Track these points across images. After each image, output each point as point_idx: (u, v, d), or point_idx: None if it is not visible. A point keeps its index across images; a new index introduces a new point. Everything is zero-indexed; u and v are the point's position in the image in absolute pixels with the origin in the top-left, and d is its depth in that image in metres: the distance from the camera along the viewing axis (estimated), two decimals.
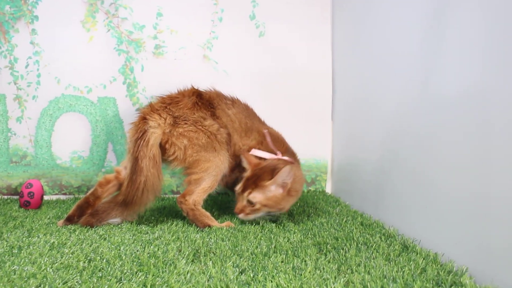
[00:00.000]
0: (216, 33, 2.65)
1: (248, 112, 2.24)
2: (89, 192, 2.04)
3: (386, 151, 2.03)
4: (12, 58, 2.53)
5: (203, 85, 2.21)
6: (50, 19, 2.55)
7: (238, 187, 1.99)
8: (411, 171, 1.80)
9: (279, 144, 2.17)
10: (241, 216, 1.96)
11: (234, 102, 2.22)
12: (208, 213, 1.98)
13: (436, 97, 1.61)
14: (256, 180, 1.94)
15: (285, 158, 2.07)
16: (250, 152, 2.09)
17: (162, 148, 1.99)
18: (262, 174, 1.95)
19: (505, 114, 1.26)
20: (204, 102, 2.11)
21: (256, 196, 1.93)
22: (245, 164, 2.04)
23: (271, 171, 1.94)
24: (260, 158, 2.06)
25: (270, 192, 1.93)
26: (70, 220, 1.96)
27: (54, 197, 2.57)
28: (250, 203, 1.94)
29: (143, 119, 1.99)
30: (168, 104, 2.05)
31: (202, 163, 1.99)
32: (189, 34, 2.63)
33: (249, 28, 2.67)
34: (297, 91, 2.67)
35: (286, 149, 2.18)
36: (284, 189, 1.93)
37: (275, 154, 2.09)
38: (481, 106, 1.37)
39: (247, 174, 2.00)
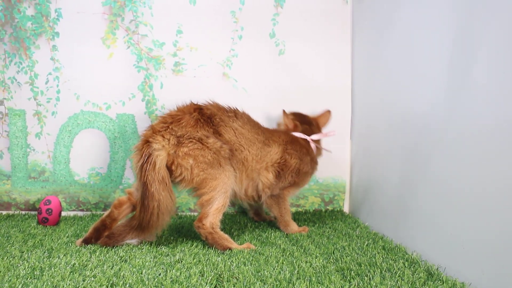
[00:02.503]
0: (236, 51, 2.64)
1: (253, 121, 2.25)
2: (105, 214, 2.01)
3: (407, 172, 2.01)
4: (33, 74, 2.54)
5: (221, 103, 2.20)
6: (70, 35, 2.56)
7: None
8: (434, 193, 1.77)
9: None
10: None
11: (237, 113, 2.18)
12: (226, 236, 1.95)
13: (464, 116, 1.59)
14: None
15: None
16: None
17: (169, 169, 1.95)
18: None
19: None
20: (206, 119, 2.06)
21: None
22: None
23: None
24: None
25: None
26: (87, 242, 1.94)
27: (72, 213, 2.56)
28: None
29: (146, 142, 1.95)
30: (169, 124, 2.00)
31: (210, 181, 1.96)
32: (208, 52, 2.62)
33: (269, 46, 2.66)
34: (316, 109, 2.65)
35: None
36: None
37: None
38: None
39: None
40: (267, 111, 2.60)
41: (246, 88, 2.64)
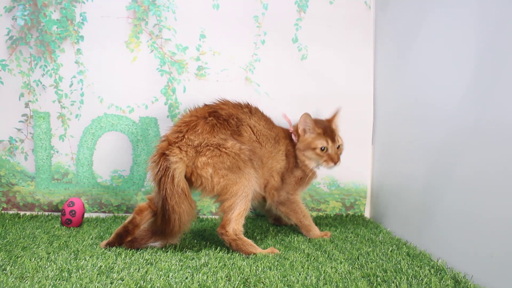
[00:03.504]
0: (259, 56, 2.65)
1: (263, 114, 2.24)
2: (127, 220, 1.98)
3: (431, 176, 2.00)
4: (57, 77, 2.57)
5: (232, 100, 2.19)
6: (95, 39, 2.58)
7: (325, 143, 2.23)
8: (460, 198, 1.76)
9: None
10: (338, 163, 2.25)
11: (251, 108, 2.17)
12: (250, 241, 1.95)
13: (492, 119, 1.58)
14: (330, 129, 2.28)
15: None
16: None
17: (188, 180, 1.93)
18: (328, 123, 2.32)
19: None
20: (222, 121, 2.02)
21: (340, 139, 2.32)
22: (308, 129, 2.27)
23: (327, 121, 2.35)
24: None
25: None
26: (110, 245, 1.95)
27: (94, 215, 2.58)
28: (338, 147, 2.29)
29: (162, 155, 1.91)
30: (185, 133, 1.95)
31: (231, 187, 1.94)
32: (231, 56, 2.64)
33: (291, 51, 2.66)
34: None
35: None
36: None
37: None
38: None
39: (317, 131, 2.25)
40: (288, 116, 2.59)
41: (268, 93, 2.64)
